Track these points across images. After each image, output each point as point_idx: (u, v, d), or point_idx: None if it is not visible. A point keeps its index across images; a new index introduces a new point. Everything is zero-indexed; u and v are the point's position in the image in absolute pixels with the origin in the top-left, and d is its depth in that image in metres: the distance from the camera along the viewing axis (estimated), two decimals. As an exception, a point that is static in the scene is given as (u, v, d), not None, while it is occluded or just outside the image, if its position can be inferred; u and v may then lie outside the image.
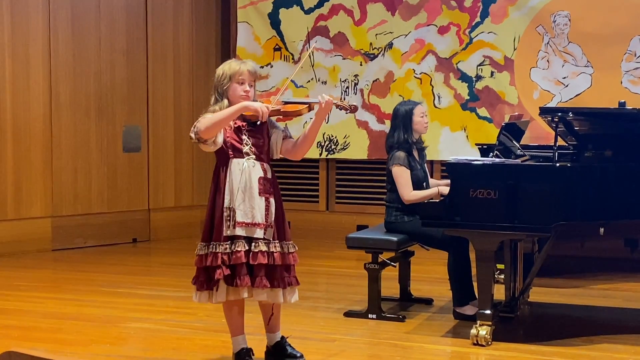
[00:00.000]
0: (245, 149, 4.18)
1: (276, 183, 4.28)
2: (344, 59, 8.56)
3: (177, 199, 8.91)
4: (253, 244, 4.11)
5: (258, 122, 4.16)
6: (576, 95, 7.76)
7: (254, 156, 4.19)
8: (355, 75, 8.54)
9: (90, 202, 8.27)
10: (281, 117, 4.25)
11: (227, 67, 4.22)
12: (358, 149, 8.51)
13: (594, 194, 4.70)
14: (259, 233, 4.12)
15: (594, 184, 4.71)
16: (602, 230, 4.76)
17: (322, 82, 8.60)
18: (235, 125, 4.19)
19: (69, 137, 8.11)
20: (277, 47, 8.80)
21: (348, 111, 4.28)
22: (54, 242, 8.04)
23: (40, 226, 7.95)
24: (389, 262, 5.48)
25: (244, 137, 4.18)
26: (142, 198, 8.64)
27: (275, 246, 4.16)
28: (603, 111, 5.45)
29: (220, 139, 4.14)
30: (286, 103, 4.24)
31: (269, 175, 4.22)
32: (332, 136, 8.53)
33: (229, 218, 4.11)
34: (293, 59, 8.72)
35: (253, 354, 4.31)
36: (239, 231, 4.10)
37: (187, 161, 8.96)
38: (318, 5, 8.64)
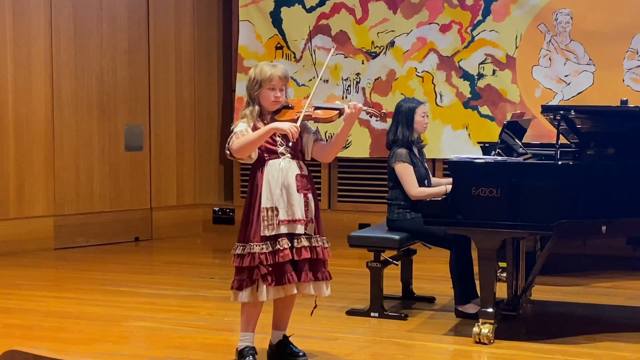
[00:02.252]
0: (280, 149, 4.21)
1: (312, 179, 4.32)
2: (345, 57, 8.56)
3: (179, 197, 8.92)
4: (295, 240, 4.15)
5: (290, 144, 4.17)
6: (578, 94, 7.75)
7: (289, 155, 4.22)
8: (357, 74, 8.54)
9: (92, 201, 8.28)
10: (312, 121, 4.29)
11: (259, 71, 4.22)
12: (360, 148, 8.51)
13: (596, 192, 4.69)
14: (300, 229, 4.15)
15: (596, 182, 4.71)
16: (604, 228, 4.76)
17: (324, 81, 8.59)
18: None
19: (71, 136, 8.11)
20: (278, 45, 8.80)
21: (378, 118, 4.32)
22: (56, 241, 8.04)
23: (42, 225, 7.96)
24: (391, 260, 5.48)
25: (277, 138, 4.21)
26: (144, 197, 8.65)
27: (317, 240, 4.22)
28: (605, 109, 5.44)
29: (255, 155, 4.19)
30: (317, 108, 4.27)
31: (305, 172, 4.26)
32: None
33: (267, 218, 4.13)
34: (295, 57, 8.72)
35: (256, 353, 4.31)
36: (283, 229, 4.13)
37: (189, 160, 8.96)
38: (320, 4, 8.64)
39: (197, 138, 9.01)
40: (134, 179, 8.55)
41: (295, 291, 4.18)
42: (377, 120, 4.45)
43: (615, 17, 7.60)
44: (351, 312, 5.47)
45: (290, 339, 4.42)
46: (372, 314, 5.37)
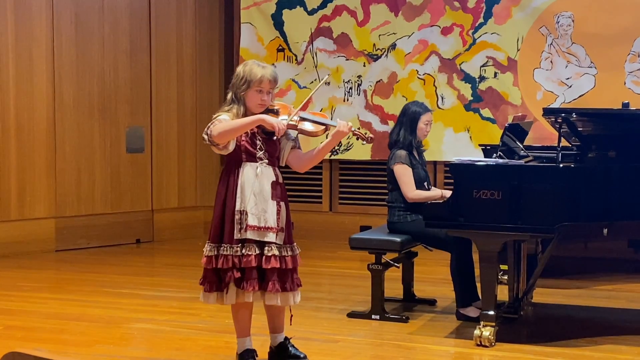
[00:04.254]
0: (259, 153, 4.18)
1: (285, 187, 4.30)
2: (347, 59, 8.56)
3: (180, 199, 8.92)
4: (266, 248, 4.12)
5: (274, 137, 4.17)
6: (580, 96, 7.75)
7: (266, 161, 4.19)
8: (359, 76, 8.54)
9: (94, 202, 8.28)
10: (296, 131, 4.27)
11: (248, 71, 4.15)
12: (361, 150, 8.50)
13: (597, 194, 4.69)
14: (270, 237, 4.12)
15: (597, 185, 4.70)
16: (605, 231, 4.76)
17: (326, 83, 8.58)
18: (252, 131, 4.17)
19: (72, 138, 8.11)
20: (280, 48, 8.80)
21: (365, 142, 4.33)
22: (57, 243, 8.04)
23: (43, 227, 7.96)
24: (392, 262, 5.48)
25: (258, 142, 4.18)
26: (146, 199, 8.65)
27: (286, 250, 4.17)
28: (607, 112, 5.44)
29: (232, 146, 4.12)
30: (304, 119, 4.24)
31: (280, 180, 4.24)
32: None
33: (240, 221, 4.11)
34: (296, 59, 8.72)
35: (257, 355, 4.31)
36: (250, 234, 4.10)
37: (190, 162, 8.96)
38: (321, 6, 8.64)
39: (199, 140, 9.00)
40: (135, 180, 8.55)
41: (251, 299, 4.12)
42: (363, 144, 4.46)
43: (617, 19, 7.60)
44: (352, 315, 5.47)
45: (291, 341, 4.41)
46: (373, 317, 5.37)
